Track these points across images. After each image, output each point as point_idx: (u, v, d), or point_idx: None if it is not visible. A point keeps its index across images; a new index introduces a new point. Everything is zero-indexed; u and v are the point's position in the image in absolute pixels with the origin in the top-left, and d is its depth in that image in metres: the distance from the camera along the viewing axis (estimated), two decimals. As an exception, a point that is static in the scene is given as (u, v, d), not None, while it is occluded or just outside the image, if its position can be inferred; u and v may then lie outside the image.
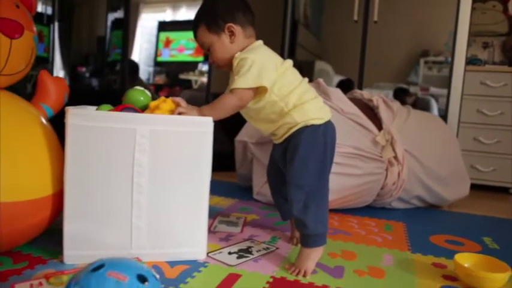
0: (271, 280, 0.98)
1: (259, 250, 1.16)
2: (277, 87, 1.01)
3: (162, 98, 1.02)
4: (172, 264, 1.02)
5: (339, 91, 1.64)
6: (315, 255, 1.04)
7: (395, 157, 1.61)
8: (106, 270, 0.62)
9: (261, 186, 1.68)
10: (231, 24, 1.02)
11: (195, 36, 1.06)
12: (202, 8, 1.06)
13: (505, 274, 0.98)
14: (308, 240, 1.05)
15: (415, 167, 1.66)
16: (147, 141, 0.96)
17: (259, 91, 1.01)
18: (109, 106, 1.04)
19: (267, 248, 1.18)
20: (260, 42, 1.08)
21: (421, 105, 2.17)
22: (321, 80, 1.63)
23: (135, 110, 0.99)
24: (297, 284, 0.97)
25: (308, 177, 1.02)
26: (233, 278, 0.97)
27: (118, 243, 0.99)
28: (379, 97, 1.76)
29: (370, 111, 1.71)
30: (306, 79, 1.08)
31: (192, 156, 1.00)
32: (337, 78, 2.34)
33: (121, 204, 0.98)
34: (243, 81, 0.97)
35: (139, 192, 0.98)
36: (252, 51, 1.02)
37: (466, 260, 1.07)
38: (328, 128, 1.05)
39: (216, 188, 1.90)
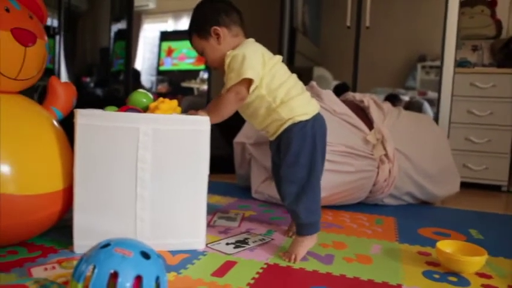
0: (265, 266, 1.05)
1: (255, 241, 1.24)
2: (266, 81, 1.08)
3: (161, 99, 1.11)
4: (173, 253, 1.10)
5: (330, 93, 1.73)
6: (307, 242, 1.12)
7: (386, 155, 1.68)
8: (113, 247, 0.71)
9: (259, 185, 1.76)
10: (215, 27, 1.11)
11: (191, 44, 1.16)
12: (192, 18, 1.15)
13: (482, 257, 1.05)
14: (301, 229, 1.13)
15: (405, 165, 1.73)
16: (150, 139, 1.05)
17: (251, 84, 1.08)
18: (115, 108, 1.13)
19: (263, 239, 1.25)
20: (251, 39, 1.16)
21: (414, 109, 2.25)
22: (314, 83, 1.72)
23: (138, 111, 1.08)
24: (289, 269, 1.05)
25: (299, 172, 1.09)
26: (230, 264, 1.05)
27: (123, 233, 1.07)
28: (370, 98, 1.84)
29: (362, 111, 1.79)
30: (294, 75, 1.15)
31: (191, 152, 1.09)
32: (335, 84, 2.42)
33: (126, 198, 1.06)
34: (236, 76, 1.06)
35: (143, 187, 1.07)
36: (241, 47, 1.10)
37: (447, 246, 1.14)
38: (316, 122, 1.11)
39: (216, 188, 1.99)
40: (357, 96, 1.87)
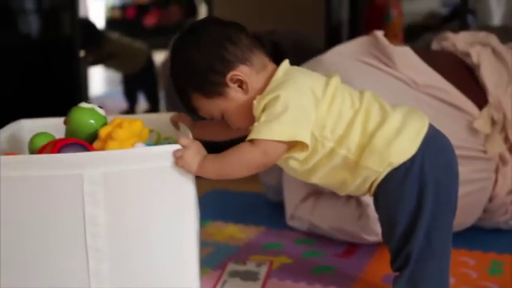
0: None
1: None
2: (330, 126, 1.13)
3: (117, 119, 1.18)
4: None
5: (408, 51, 1.72)
6: None
7: (511, 149, 1.70)
8: None
9: (297, 206, 1.83)
10: (232, 73, 1.15)
11: (192, 108, 1.23)
12: (179, 69, 1.21)
13: None
14: None
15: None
16: (101, 189, 1.14)
17: (297, 145, 1.14)
18: (48, 136, 1.23)
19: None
20: (286, 65, 1.19)
21: None
22: (379, 34, 1.72)
23: (80, 146, 1.17)
24: None
25: (415, 239, 1.15)
26: None
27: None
28: (484, 47, 1.82)
29: (468, 73, 1.79)
30: (368, 93, 1.19)
31: (168, 202, 1.17)
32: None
33: (73, 278, 1.17)
34: (269, 128, 1.09)
35: (98, 259, 1.17)
36: (282, 85, 1.13)
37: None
38: (427, 151, 1.14)
39: (232, 207, 2.11)
40: (460, 44, 1.85)
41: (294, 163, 1.17)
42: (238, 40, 1.17)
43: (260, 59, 1.19)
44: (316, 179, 1.20)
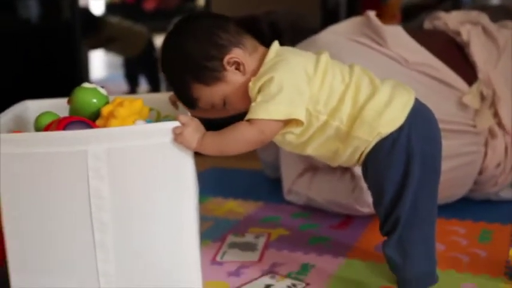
0: None
1: (281, 293, 1.40)
2: (323, 100, 1.21)
3: (118, 99, 1.24)
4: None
5: (399, 30, 1.78)
6: None
7: (500, 123, 1.75)
8: None
9: (294, 181, 1.89)
10: (228, 56, 1.21)
11: (189, 101, 1.28)
12: (175, 62, 1.26)
13: None
14: (404, 285, 1.29)
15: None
16: (104, 164, 1.20)
17: (292, 122, 1.21)
18: (53, 115, 1.29)
19: (293, 286, 1.42)
20: (276, 45, 1.26)
21: None
22: (371, 14, 1.78)
23: (84, 124, 1.23)
24: None
25: (402, 205, 1.24)
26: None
27: (83, 297, 1.28)
28: (474, 25, 1.87)
29: (459, 51, 1.84)
30: (357, 68, 1.26)
31: (168, 176, 1.24)
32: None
33: (81, 248, 1.24)
34: (265, 108, 1.16)
35: (102, 231, 1.24)
36: (275, 67, 1.20)
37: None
38: (413, 123, 1.21)
39: (231, 184, 2.18)
40: (452, 23, 1.89)
41: (291, 137, 1.24)
42: (229, 27, 1.24)
43: (250, 42, 1.26)
44: (311, 149, 1.27)
